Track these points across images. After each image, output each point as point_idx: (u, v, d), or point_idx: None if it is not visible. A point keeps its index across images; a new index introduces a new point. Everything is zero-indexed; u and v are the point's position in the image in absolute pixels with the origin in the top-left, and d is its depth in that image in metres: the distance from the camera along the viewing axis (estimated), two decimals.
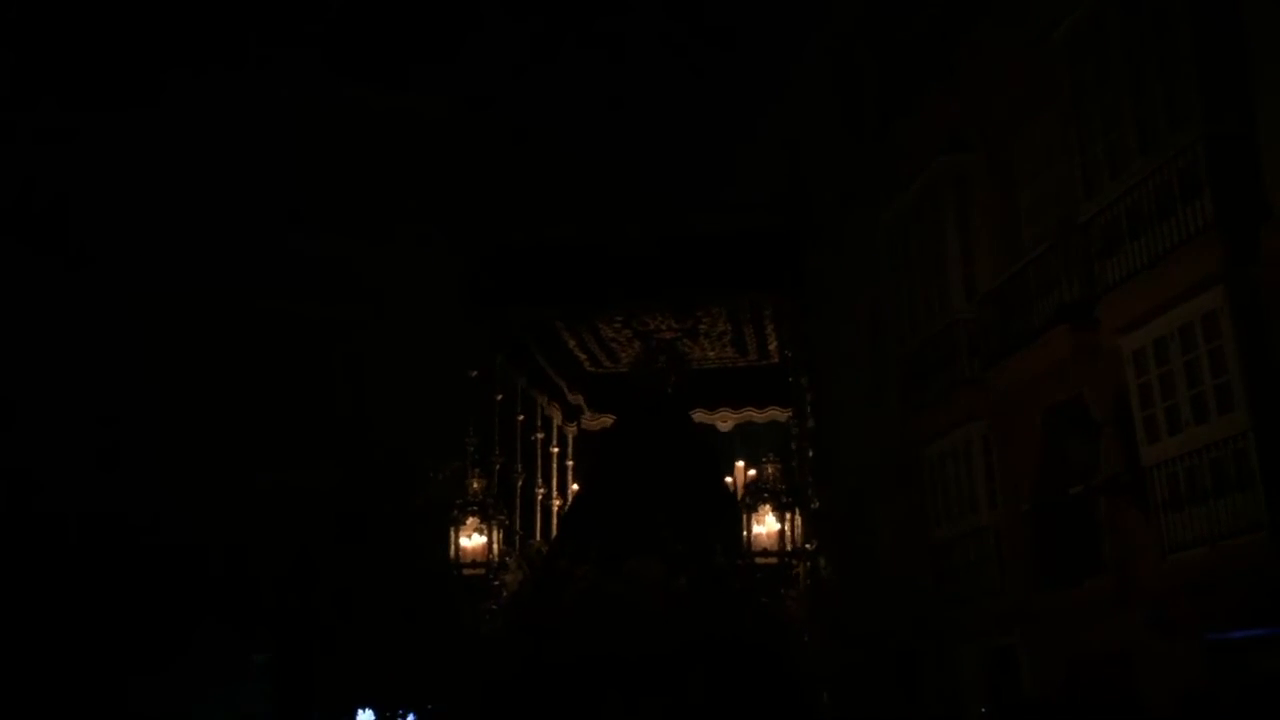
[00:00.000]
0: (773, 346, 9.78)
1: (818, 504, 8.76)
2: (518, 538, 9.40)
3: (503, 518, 8.75)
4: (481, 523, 8.53)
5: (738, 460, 10.14)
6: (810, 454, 8.81)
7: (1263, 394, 9.19)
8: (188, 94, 16.74)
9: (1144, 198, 10.20)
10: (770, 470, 8.36)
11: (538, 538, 10.12)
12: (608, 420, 10.80)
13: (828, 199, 17.75)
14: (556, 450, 10.83)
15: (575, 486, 10.72)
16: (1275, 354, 9.23)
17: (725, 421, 11.00)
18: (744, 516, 8.12)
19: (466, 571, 8.45)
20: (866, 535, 16.02)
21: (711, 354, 10.26)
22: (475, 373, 8.79)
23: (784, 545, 8.02)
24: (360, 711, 14.89)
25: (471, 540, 8.52)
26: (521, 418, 9.86)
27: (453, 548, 8.46)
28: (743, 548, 8.12)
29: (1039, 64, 12.16)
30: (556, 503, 10.65)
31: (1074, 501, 11.51)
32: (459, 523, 8.45)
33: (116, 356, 16.00)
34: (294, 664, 15.05)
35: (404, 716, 14.04)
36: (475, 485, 8.61)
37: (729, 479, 10.13)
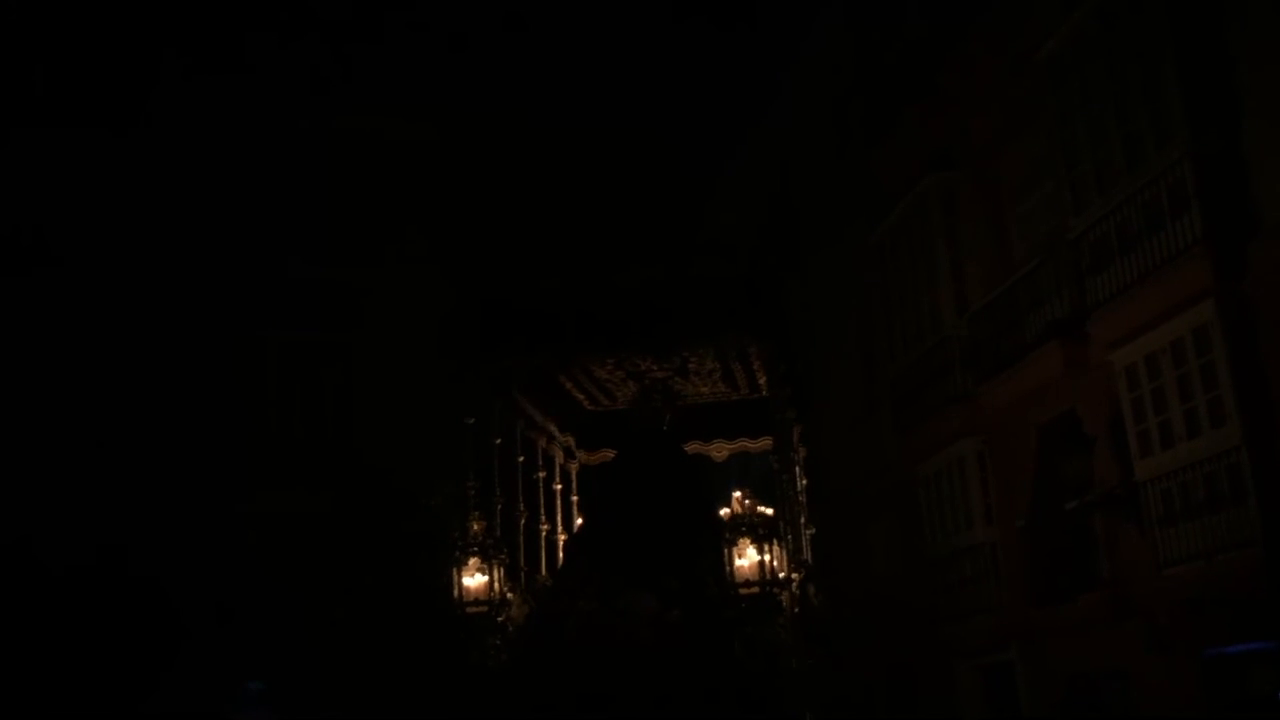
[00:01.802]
0: (762, 381, 9.94)
1: (813, 530, 8.90)
2: (523, 573, 9.53)
3: (503, 556, 8.90)
4: (483, 562, 8.71)
5: (734, 491, 10.27)
6: (803, 482, 8.97)
7: (1255, 408, 9.21)
8: (181, 117, 16.77)
9: (1133, 213, 10.25)
10: (747, 504, 8.52)
11: (543, 572, 10.23)
12: (609, 455, 10.93)
13: (816, 218, 17.83)
14: (559, 487, 10.97)
15: (580, 520, 10.85)
16: (1267, 367, 9.26)
17: (720, 452, 11.18)
18: (725, 551, 8.30)
19: (470, 609, 8.61)
20: (862, 554, 16.02)
21: (704, 389, 10.49)
22: (473, 420, 8.96)
23: (764, 575, 8.19)
24: None
25: (474, 579, 8.68)
26: (522, 459, 10.02)
27: (456, 587, 8.62)
28: (727, 579, 8.28)
29: (1024, 82, 12.23)
30: (561, 537, 10.77)
31: (1069, 517, 11.52)
32: (461, 563, 8.61)
33: (105, 382, 15.98)
34: (289, 690, 14.97)
35: None
36: (476, 527, 8.78)
37: (725, 510, 10.22)
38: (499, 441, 9.55)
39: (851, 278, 16.55)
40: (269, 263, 16.70)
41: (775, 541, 8.46)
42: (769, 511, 9.35)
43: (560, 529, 10.93)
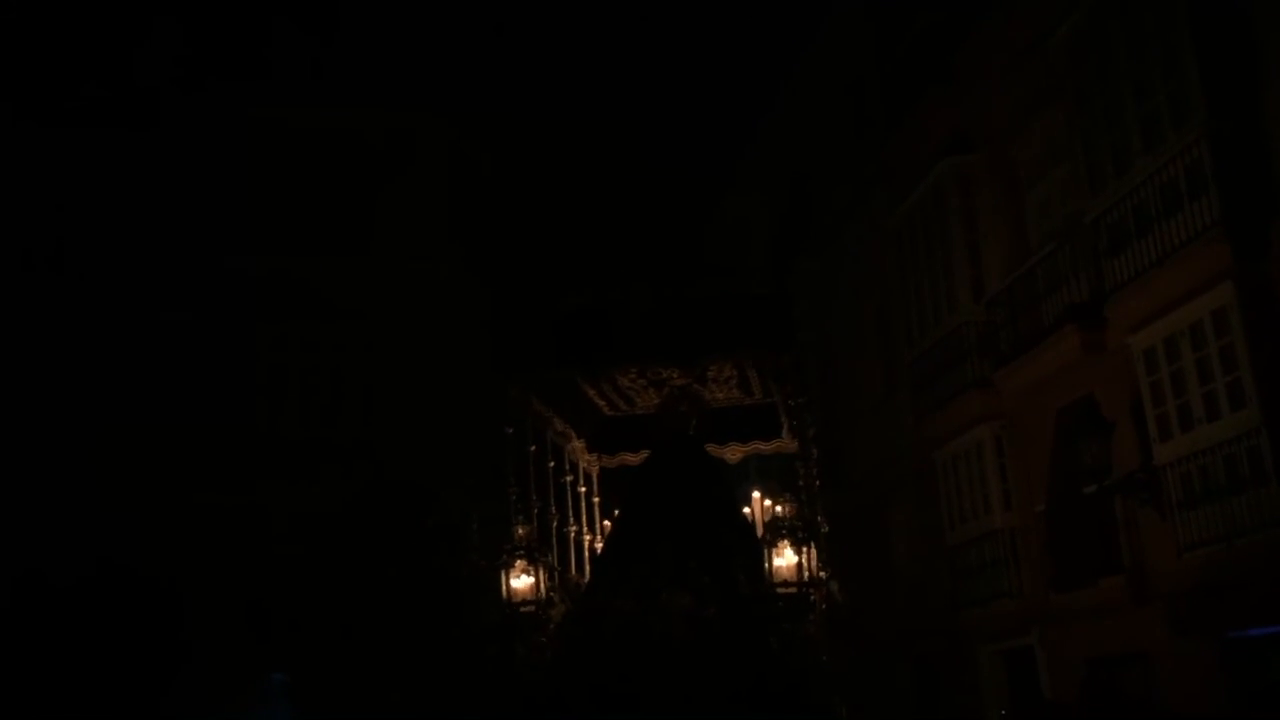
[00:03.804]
0: (774, 386, 10.28)
1: (828, 528, 9.13)
2: (557, 573, 9.90)
3: (548, 559, 9.36)
4: (529, 564, 9.18)
5: (753, 491, 10.58)
6: (817, 484, 9.25)
7: (1274, 390, 9.14)
8: (196, 115, 16.82)
9: (1150, 195, 10.17)
10: (786, 509, 8.81)
11: (573, 571, 10.60)
12: (628, 458, 11.32)
13: (833, 203, 17.80)
14: (584, 489, 11.34)
15: (605, 522, 11.24)
16: None
17: (734, 454, 11.47)
18: (765, 551, 8.59)
19: (522, 609, 9.07)
20: (882, 541, 16.02)
21: (719, 395, 10.89)
22: (511, 429, 9.40)
23: (802, 576, 8.47)
24: None
25: (520, 581, 9.14)
26: (552, 464, 10.43)
27: (504, 588, 9.10)
28: (764, 579, 8.56)
29: (1041, 64, 12.15)
30: (587, 538, 11.15)
31: (1088, 501, 11.47)
32: (508, 565, 9.11)
33: (121, 378, 16.08)
34: (312, 682, 15.07)
35: None
36: (521, 531, 9.27)
37: (746, 510, 10.54)
38: (534, 449, 9.96)
39: (869, 262, 16.51)
40: (279, 255, 16.77)
41: (813, 544, 8.72)
42: (780, 509, 9.56)
43: (586, 529, 11.29)
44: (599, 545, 10.95)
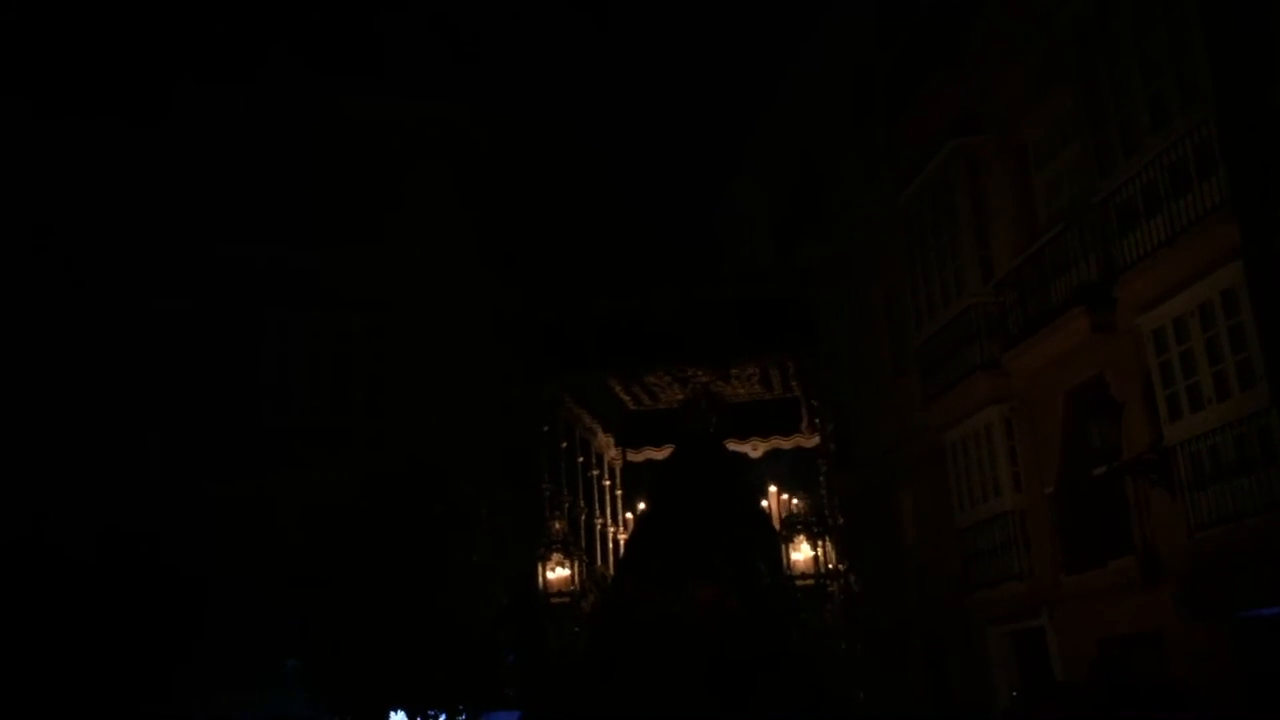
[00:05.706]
0: (795, 384, 10.49)
1: (842, 521, 9.32)
2: (584, 564, 10.13)
3: (581, 553, 9.65)
4: (565, 558, 9.47)
5: (770, 485, 10.79)
6: (835, 478, 9.47)
7: None
8: (207, 108, 16.85)
9: (1159, 175, 10.13)
10: (801, 505, 9.05)
11: (599, 562, 10.80)
12: (652, 452, 11.57)
13: (841, 186, 17.76)
14: (609, 483, 11.55)
15: (628, 515, 11.46)
16: None
17: (756, 449, 11.67)
18: (783, 546, 8.84)
19: (554, 600, 9.35)
20: (892, 524, 16.03)
21: (741, 391, 11.13)
22: (547, 427, 9.70)
23: (818, 567, 8.72)
24: (392, 713, 14.99)
25: (555, 573, 9.43)
26: (581, 459, 10.69)
27: (540, 579, 9.41)
28: (784, 571, 8.78)
29: (1049, 44, 12.10)
30: (612, 530, 11.35)
31: (1098, 482, 11.46)
32: (545, 558, 9.44)
33: (127, 367, 16.15)
34: (325, 667, 15.15)
35: (436, 717, 14.13)
36: (557, 526, 9.58)
37: (765, 503, 10.70)
38: (564, 445, 10.23)
39: (876, 244, 16.48)
40: (288, 245, 16.81)
41: (827, 537, 8.98)
42: (796, 503, 9.72)
43: (611, 522, 11.50)
44: (622, 537, 11.14)
